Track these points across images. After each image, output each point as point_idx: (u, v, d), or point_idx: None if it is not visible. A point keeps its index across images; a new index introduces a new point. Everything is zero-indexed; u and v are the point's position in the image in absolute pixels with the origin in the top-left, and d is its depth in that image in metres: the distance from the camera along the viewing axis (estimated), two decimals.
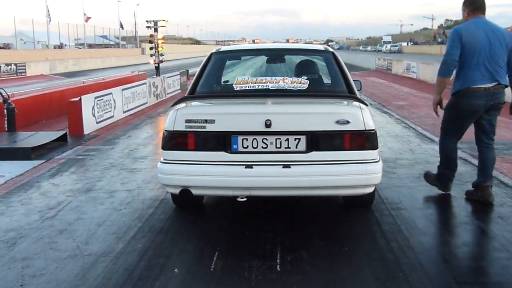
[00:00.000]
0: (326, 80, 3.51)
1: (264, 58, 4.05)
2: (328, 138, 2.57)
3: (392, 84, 17.85)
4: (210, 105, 2.85)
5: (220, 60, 3.57)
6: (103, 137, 7.96)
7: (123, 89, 10.26)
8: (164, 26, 15.62)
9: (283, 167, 2.56)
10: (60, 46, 44.37)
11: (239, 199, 2.80)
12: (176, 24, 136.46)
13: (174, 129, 2.69)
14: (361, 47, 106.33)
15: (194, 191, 2.73)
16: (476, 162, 5.73)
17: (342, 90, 3.08)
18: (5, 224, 3.85)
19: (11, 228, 3.76)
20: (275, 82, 2.90)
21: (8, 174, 5.49)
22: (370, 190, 2.81)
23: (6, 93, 8.13)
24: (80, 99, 8.20)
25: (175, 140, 2.70)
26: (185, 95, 3.14)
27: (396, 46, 74.06)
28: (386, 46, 76.55)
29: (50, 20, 40.43)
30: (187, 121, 2.71)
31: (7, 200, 4.54)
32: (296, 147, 2.58)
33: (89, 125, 8.34)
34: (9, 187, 4.98)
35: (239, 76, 2.95)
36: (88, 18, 47.83)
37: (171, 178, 2.76)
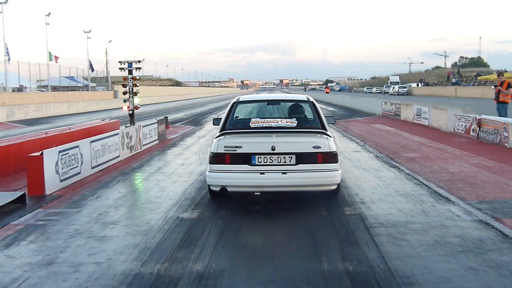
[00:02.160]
0: (309, 116, 5.92)
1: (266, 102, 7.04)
2: (308, 156, 4.73)
3: (401, 132, 18.05)
4: (238, 137, 5.01)
5: (239, 106, 6.06)
6: (68, 198, 7.94)
7: (92, 141, 10.32)
8: (140, 68, 15.96)
9: (282, 174, 4.74)
10: (20, 89, 44.63)
11: (255, 193, 5.04)
12: (153, 63, 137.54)
13: (217, 151, 4.83)
14: (365, 89, 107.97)
15: (229, 189, 4.87)
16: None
17: (318, 127, 5.39)
18: None
19: None
20: (276, 122, 5.37)
21: None
22: (334, 187, 5.10)
23: None
24: (42, 154, 8.21)
25: (217, 158, 4.81)
26: (220, 132, 5.65)
27: (404, 87, 73.12)
28: (393, 88, 75.22)
29: (9, 59, 40.93)
30: (225, 147, 4.95)
31: None
32: (290, 162, 4.74)
33: (52, 183, 8.32)
34: None
35: (254, 118, 5.40)
36: (57, 57, 48.20)
37: (215, 180, 4.90)
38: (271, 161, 5.23)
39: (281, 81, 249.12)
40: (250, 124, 5.73)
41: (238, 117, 6.39)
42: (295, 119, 5.86)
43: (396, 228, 5.78)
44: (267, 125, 5.72)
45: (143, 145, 14.37)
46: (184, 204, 7.21)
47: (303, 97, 6.79)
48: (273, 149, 5.23)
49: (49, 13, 48.25)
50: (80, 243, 5.45)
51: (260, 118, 5.91)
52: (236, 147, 5.25)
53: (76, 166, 9.42)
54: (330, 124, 6.59)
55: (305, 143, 5.35)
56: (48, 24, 47.75)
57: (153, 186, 8.86)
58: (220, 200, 6.57)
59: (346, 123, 22.34)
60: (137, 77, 16.16)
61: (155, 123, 16.09)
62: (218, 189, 5.53)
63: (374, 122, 22.79)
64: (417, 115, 21.92)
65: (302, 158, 5.26)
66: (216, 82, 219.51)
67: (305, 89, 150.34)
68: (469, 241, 5.25)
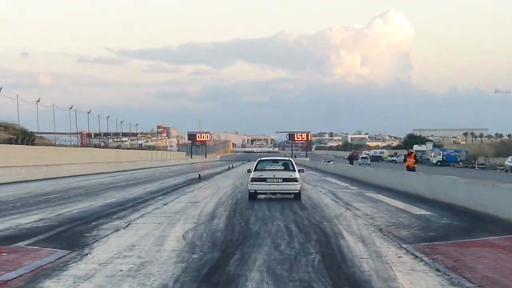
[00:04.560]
0: (290, 166, 54.76)
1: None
2: (287, 179, 51.26)
3: None
4: (261, 172, 52.24)
5: (260, 162, 55.92)
6: None
7: None
8: None
9: (277, 185, 50.84)
10: None
11: (269, 195, 53.01)
12: None
13: (253, 177, 51.18)
14: (508, 160, 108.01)
15: (258, 191, 51.38)
16: None
17: (292, 170, 53.22)
18: None
19: None
20: (275, 168, 55.04)
21: None
22: (297, 191, 51.55)
23: None
24: None
25: (253, 180, 51.27)
26: (253, 170, 53.09)
27: None
28: None
29: None
30: (256, 175, 51.80)
31: None
32: (280, 181, 51.15)
33: None
34: None
35: (266, 166, 55.79)
36: None
37: (252, 187, 50.91)
38: (273, 180, 49.64)
39: (291, 136, 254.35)
40: (265, 168, 52.33)
41: (260, 168, 52.79)
42: (283, 166, 53.27)
43: None
44: (272, 169, 52.52)
45: None
46: None
47: (287, 158, 64.26)
48: (274, 176, 49.73)
49: None
50: None
51: (269, 166, 53.43)
52: (261, 175, 49.95)
53: None
54: (301, 172, 55.41)
55: (286, 174, 50.73)
56: None
57: None
58: None
59: (457, 250, 22.93)
60: None
61: None
62: (253, 191, 49.71)
63: None
64: None
65: (285, 179, 49.88)
66: (127, 135, 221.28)
67: (352, 159, 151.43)
68: None
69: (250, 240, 25.62)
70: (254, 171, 51.65)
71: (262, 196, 51.39)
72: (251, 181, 51.22)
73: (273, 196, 51.16)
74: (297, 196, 50.49)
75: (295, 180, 50.61)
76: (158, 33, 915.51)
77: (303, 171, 61.95)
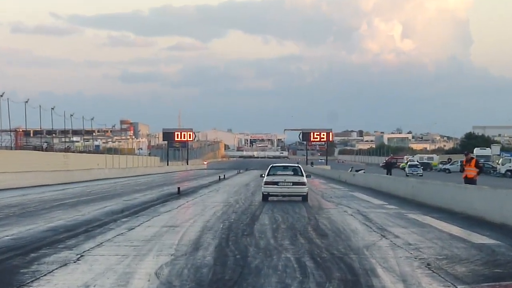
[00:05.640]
0: (298, 171, 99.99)
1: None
2: (297, 183, 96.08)
3: None
4: (273, 176, 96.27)
5: (272, 168, 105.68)
6: None
7: None
8: None
9: (287, 188, 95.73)
10: None
11: (280, 197, 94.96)
12: None
13: (266, 181, 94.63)
14: None
15: (270, 193, 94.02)
16: None
17: (301, 174, 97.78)
18: None
19: None
20: (286, 172, 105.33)
21: None
22: (305, 194, 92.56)
23: None
24: None
25: (266, 183, 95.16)
26: (266, 175, 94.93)
27: None
28: None
29: None
30: (268, 179, 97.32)
31: None
32: (291, 185, 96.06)
33: None
34: None
35: (278, 170, 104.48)
36: None
37: (266, 190, 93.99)
38: (284, 184, 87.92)
39: (306, 135, 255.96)
40: (277, 173, 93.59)
41: (272, 173, 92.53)
42: (293, 172, 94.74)
43: None
44: (283, 173, 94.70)
45: None
46: None
47: (296, 164, 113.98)
48: (285, 180, 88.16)
49: None
50: None
51: (280, 171, 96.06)
52: (273, 179, 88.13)
53: None
54: (308, 178, 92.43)
55: (295, 178, 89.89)
56: None
57: None
58: None
59: None
60: None
61: None
62: (267, 193, 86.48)
63: None
64: None
65: (294, 183, 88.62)
66: (80, 133, 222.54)
67: (390, 167, 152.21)
68: None
69: (249, 278, 25.08)
70: (267, 175, 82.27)
71: (272, 204, 74.89)
72: (264, 184, 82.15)
73: (283, 199, 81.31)
74: (305, 198, 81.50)
75: (303, 184, 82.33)
76: None
77: (310, 176, 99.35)
